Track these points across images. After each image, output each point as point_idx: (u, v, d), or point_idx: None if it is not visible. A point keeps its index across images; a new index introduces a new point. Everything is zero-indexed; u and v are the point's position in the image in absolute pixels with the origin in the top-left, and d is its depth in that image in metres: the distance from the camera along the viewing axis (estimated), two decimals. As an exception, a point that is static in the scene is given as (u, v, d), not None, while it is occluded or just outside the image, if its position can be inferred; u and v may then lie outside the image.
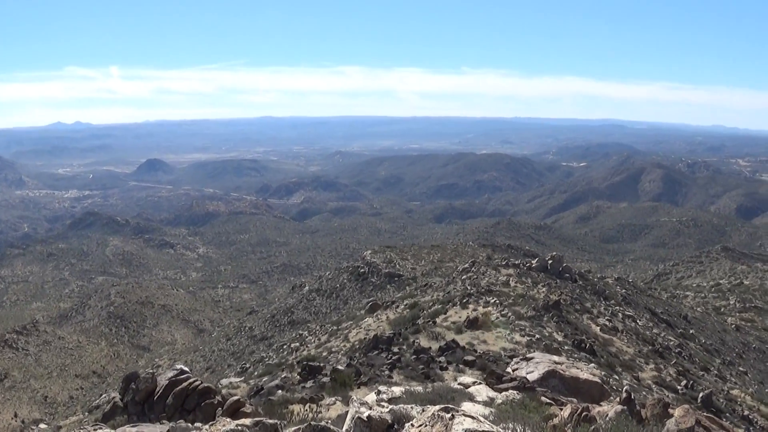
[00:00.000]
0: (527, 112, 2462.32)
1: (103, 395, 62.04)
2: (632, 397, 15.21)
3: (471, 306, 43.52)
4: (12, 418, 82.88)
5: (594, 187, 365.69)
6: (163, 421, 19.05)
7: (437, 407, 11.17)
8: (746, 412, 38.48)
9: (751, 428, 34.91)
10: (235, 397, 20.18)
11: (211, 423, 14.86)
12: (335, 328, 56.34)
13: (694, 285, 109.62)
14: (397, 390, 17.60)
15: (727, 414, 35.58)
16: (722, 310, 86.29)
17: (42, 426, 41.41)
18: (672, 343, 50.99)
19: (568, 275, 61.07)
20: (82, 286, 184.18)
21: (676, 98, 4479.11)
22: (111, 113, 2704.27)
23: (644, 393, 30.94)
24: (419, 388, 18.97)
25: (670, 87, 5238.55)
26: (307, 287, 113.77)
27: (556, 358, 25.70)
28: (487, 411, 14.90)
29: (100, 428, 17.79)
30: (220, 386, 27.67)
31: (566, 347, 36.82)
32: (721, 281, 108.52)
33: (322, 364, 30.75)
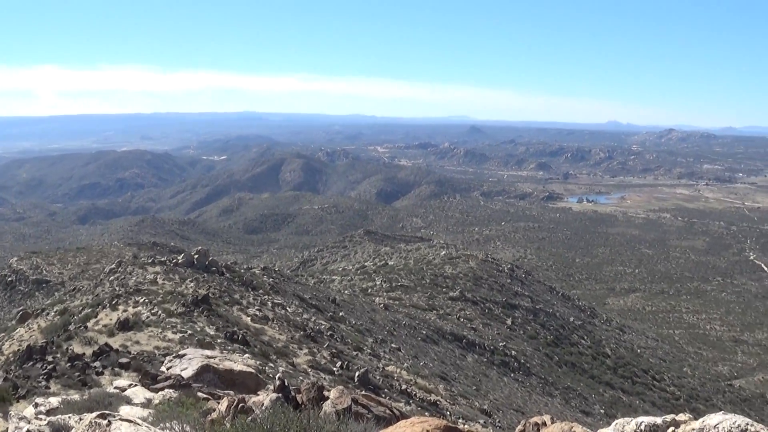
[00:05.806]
0: (166, 107, 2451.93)
1: None
2: (286, 383, 15.28)
3: (121, 307, 42.50)
4: None
5: (236, 180, 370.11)
6: None
7: (94, 414, 10.84)
8: (404, 386, 40.44)
9: (410, 401, 36.67)
10: None
11: None
12: (-13, 341, 53.11)
13: (340, 269, 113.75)
14: (54, 400, 16.78)
15: (386, 390, 37.20)
16: (369, 291, 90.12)
17: None
18: (323, 326, 52.48)
19: (215, 268, 61.18)
20: None
21: (314, 89, 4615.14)
22: None
23: (301, 378, 31.49)
24: (76, 397, 18.31)
25: (307, 78, 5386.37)
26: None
27: (209, 352, 25.51)
28: (145, 413, 14.61)
29: None
30: None
31: (219, 340, 36.80)
32: (366, 263, 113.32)
33: (-22, 381, 28.92)
